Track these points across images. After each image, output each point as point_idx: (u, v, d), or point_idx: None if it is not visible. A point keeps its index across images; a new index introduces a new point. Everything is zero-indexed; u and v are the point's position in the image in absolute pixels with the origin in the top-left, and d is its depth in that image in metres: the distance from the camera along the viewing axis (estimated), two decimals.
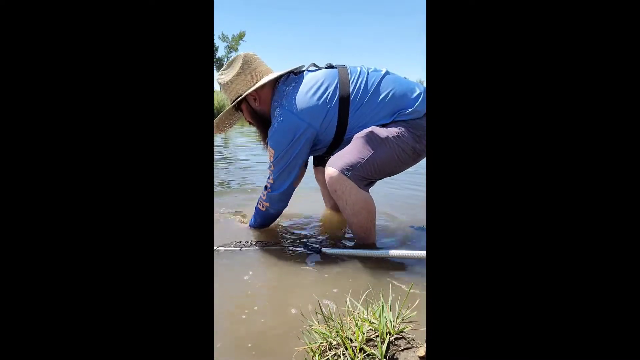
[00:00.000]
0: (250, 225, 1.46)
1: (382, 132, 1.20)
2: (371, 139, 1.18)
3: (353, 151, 1.18)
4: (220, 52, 33.36)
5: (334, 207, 1.62)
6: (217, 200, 1.86)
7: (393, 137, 1.20)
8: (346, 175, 1.16)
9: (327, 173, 1.18)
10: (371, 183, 1.29)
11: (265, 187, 1.34)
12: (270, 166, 1.30)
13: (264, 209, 1.38)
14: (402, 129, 1.21)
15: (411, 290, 0.77)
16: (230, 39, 32.98)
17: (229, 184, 2.35)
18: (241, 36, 33.27)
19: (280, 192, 1.31)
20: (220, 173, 2.68)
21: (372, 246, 1.26)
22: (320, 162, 1.56)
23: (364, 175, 1.18)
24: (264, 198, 1.35)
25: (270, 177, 1.31)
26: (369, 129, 1.20)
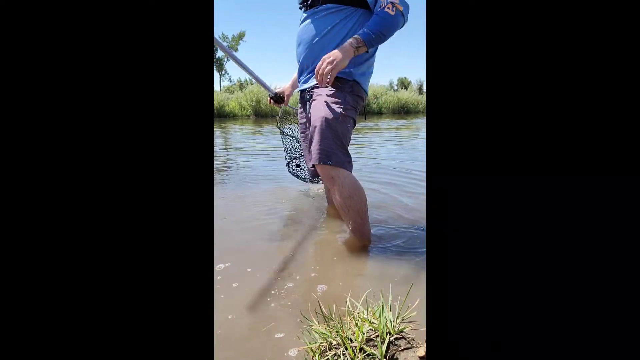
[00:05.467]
0: (364, 37, 1.16)
1: (333, 109, 1.24)
2: (328, 122, 1.22)
3: (321, 140, 1.22)
4: (220, 52, 33.31)
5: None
6: (217, 195, 1.86)
7: (343, 109, 1.25)
8: (330, 165, 1.22)
9: (318, 168, 1.25)
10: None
11: None
12: None
13: (393, 12, 1.17)
14: (346, 95, 1.28)
15: (411, 290, 0.77)
16: (230, 39, 32.94)
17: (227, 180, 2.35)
18: (241, 36, 33.23)
19: None
20: (218, 174, 2.68)
21: (368, 234, 1.32)
22: None
23: (343, 155, 1.25)
24: (397, 0, 1.18)
25: None
26: (322, 114, 1.23)
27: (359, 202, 1.26)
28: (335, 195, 1.27)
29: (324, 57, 1.16)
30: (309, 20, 1.32)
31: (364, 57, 1.32)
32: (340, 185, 1.23)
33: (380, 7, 1.18)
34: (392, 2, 1.17)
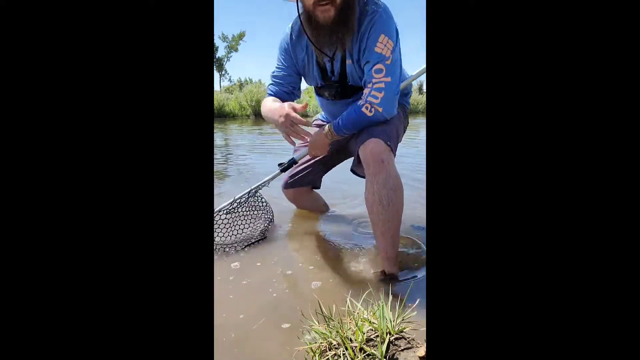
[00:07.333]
0: (336, 131, 1.18)
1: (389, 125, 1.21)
2: (387, 121, 1.16)
3: (385, 126, 1.14)
4: (220, 52, 33.33)
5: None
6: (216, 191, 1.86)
7: (396, 127, 1.24)
8: (389, 145, 1.09)
9: (371, 143, 1.09)
10: None
11: (373, 87, 1.10)
12: (378, 62, 1.08)
13: (371, 114, 1.11)
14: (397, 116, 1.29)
15: (411, 290, 0.77)
16: (230, 39, 32.94)
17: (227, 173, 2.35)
18: (241, 36, 33.23)
19: (397, 93, 1.14)
20: (218, 166, 2.68)
21: (397, 246, 1.12)
22: (294, 184, 1.55)
23: (395, 147, 1.17)
24: (376, 101, 1.10)
25: (382, 74, 1.09)
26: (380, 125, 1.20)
27: (401, 200, 1.09)
28: (377, 185, 1.06)
29: (309, 143, 1.26)
30: (340, 103, 1.29)
31: (406, 90, 1.37)
32: (387, 173, 1.06)
33: (361, 101, 1.12)
34: (370, 103, 1.10)
